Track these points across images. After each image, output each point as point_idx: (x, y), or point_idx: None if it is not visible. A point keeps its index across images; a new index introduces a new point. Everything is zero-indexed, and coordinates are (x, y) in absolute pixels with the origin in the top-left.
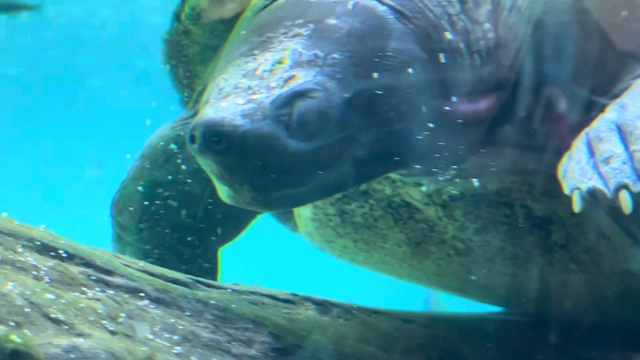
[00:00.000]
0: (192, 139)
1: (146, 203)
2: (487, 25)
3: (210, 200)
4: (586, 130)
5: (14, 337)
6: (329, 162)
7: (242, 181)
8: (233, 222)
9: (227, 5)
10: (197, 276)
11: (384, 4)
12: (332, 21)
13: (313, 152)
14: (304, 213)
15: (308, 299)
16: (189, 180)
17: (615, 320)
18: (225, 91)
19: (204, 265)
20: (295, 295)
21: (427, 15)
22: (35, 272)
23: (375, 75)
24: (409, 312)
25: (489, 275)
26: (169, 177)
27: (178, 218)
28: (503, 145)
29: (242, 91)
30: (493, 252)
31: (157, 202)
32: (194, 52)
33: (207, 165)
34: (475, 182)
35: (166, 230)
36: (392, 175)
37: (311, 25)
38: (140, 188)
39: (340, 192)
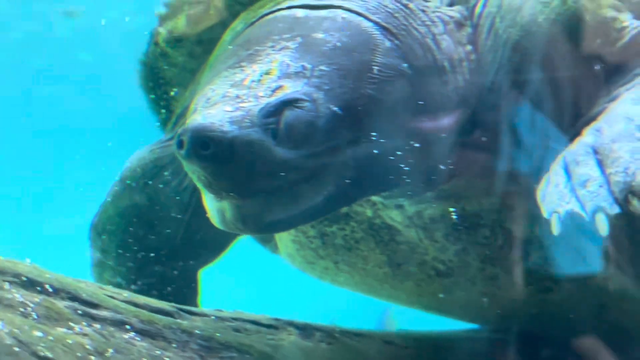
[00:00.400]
0: (180, 145)
1: (126, 227)
2: (468, 47)
3: (189, 222)
4: (563, 153)
5: None
6: (315, 171)
7: (228, 188)
8: (212, 244)
9: (204, 24)
10: (177, 298)
11: (370, 20)
12: (320, 35)
13: (300, 160)
14: (285, 235)
15: (290, 324)
16: (169, 204)
17: (587, 332)
18: (213, 100)
19: (184, 287)
20: (278, 320)
21: (413, 32)
22: (22, 309)
23: (362, 87)
24: (389, 333)
25: (469, 295)
26: (149, 201)
27: (158, 241)
28: (476, 158)
29: (230, 100)
30: (473, 273)
31: (137, 225)
32: (171, 74)
33: (194, 171)
34: (455, 204)
35: (146, 254)
36: (373, 197)
37: (299, 39)
38: (119, 212)
39: (328, 213)
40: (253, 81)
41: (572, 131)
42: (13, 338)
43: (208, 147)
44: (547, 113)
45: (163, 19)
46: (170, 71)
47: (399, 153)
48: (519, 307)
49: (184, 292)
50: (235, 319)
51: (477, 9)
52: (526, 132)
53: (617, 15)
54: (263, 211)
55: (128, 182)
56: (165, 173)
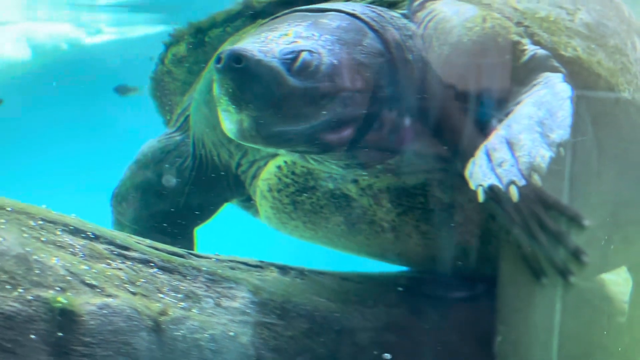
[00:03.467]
0: (218, 60)
1: (140, 196)
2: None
3: (189, 193)
4: (485, 143)
5: (60, 298)
6: (315, 100)
7: (249, 100)
8: (206, 209)
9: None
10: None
11: (359, 18)
12: (325, 20)
13: (304, 89)
14: (264, 203)
15: (272, 264)
16: (174, 179)
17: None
18: (243, 43)
19: (183, 241)
20: (262, 262)
21: (387, 31)
22: (71, 250)
23: (355, 54)
24: (345, 272)
25: (406, 245)
26: (157, 177)
27: (164, 207)
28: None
29: (257, 42)
30: (410, 229)
31: (148, 195)
32: (174, 87)
33: (223, 84)
34: (399, 178)
35: (155, 216)
36: (335, 173)
37: (309, 21)
38: (135, 185)
39: (315, 142)
40: (274, 37)
41: (490, 126)
42: (66, 270)
43: (240, 62)
44: (471, 111)
45: (168, 45)
46: (174, 84)
47: (371, 109)
48: (444, 254)
49: (183, 244)
50: (231, 261)
51: (420, 30)
52: (454, 123)
53: (520, 40)
54: (272, 123)
55: (142, 163)
56: (170, 157)
